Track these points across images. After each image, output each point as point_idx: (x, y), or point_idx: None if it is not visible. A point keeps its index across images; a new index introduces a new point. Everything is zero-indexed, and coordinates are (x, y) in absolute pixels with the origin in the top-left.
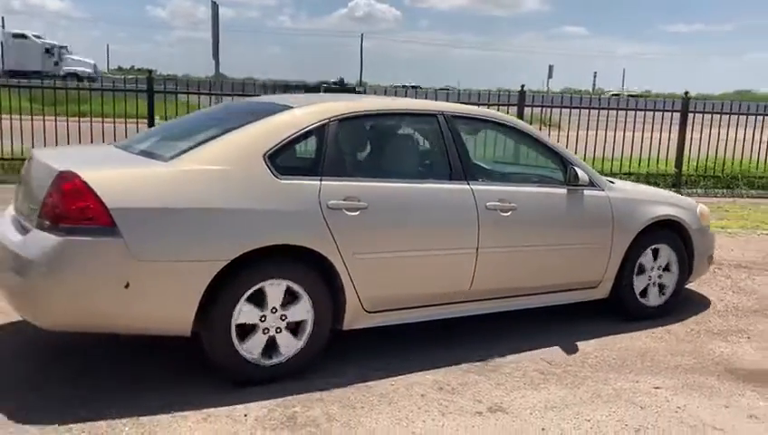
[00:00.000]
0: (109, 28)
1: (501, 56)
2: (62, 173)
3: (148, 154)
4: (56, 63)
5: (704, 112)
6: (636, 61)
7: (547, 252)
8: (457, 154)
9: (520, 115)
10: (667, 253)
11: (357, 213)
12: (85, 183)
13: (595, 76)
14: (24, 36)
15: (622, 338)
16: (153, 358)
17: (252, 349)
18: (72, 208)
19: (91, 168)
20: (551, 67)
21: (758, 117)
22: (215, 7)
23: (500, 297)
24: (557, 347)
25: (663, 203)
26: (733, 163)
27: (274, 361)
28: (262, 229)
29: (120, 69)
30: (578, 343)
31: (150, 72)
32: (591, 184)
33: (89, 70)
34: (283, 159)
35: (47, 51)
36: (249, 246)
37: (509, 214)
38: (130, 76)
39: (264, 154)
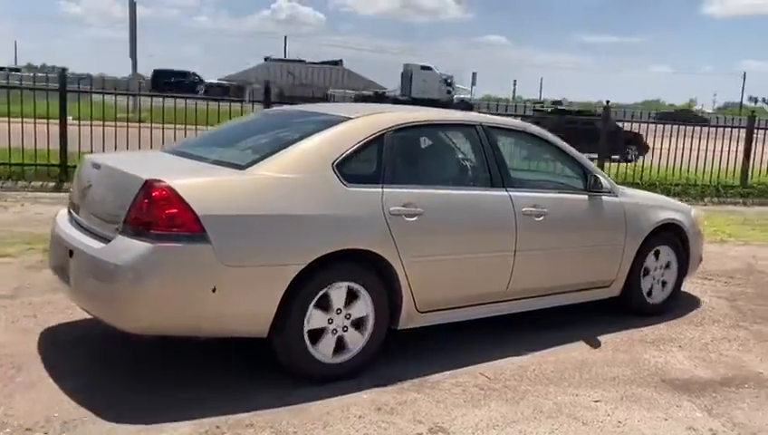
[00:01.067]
0: (17, 23)
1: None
2: (150, 181)
3: (218, 162)
4: (448, 92)
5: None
6: (553, 70)
7: (571, 254)
8: (495, 162)
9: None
10: (667, 253)
11: (414, 218)
12: (174, 191)
13: (515, 84)
14: (428, 68)
15: (559, 350)
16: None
17: (321, 349)
18: (163, 216)
19: (175, 176)
20: (474, 75)
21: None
22: (132, 5)
23: (529, 297)
24: (495, 361)
25: (666, 208)
26: (651, 171)
27: (340, 359)
28: (334, 234)
29: (29, 66)
30: (516, 357)
31: (64, 69)
32: (609, 190)
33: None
34: (348, 168)
35: (445, 81)
36: (323, 250)
37: (541, 219)
38: (40, 74)
39: (333, 163)
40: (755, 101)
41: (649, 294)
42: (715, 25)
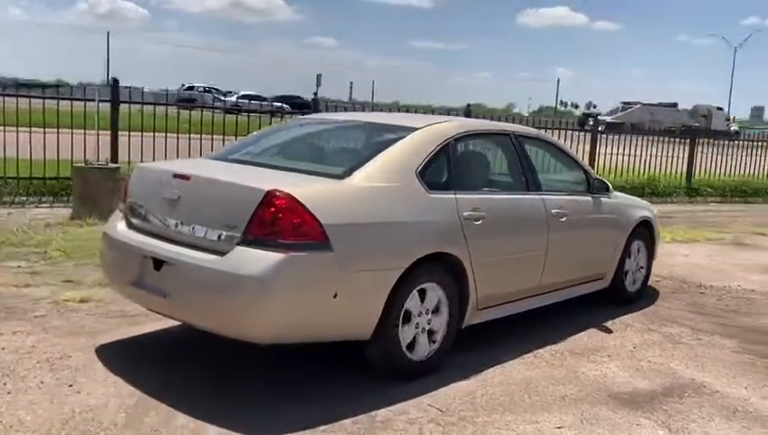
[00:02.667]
0: None
1: (258, 63)
2: (273, 192)
3: (312, 172)
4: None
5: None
6: (384, 73)
7: (584, 249)
8: (529, 168)
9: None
10: (642, 247)
11: (480, 222)
12: (298, 201)
13: (351, 86)
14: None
15: (498, 370)
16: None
17: (411, 347)
18: (289, 225)
19: (291, 186)
20: (319, 76)
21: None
22: None
23: (551, 291)
24: (438, 390)
25: (641, 206)
26: None
27: (425, 356)
28: (426, 238)
29: None
30: (458, 383)
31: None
32: (606, 191)
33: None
34: (427, 176)
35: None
36: (419, 254)
37: (564, 219)
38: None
39: (416, 171)
40: (565, 105)
41: (632, 283)
42: (529, 35)
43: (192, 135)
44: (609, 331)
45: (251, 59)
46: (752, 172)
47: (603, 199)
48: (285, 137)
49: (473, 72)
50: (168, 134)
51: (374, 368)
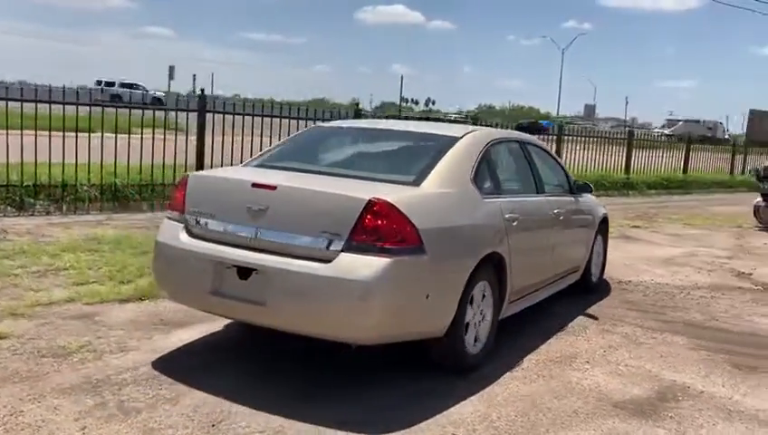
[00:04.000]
0: None
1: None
2: (375, 200)
3: (385, 180)
4: None
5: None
6: (223, 65)
7: (571, 244)
8: (536, 172)
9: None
10: (601, 241)
11: (516, 223)
12: (397, 208)
13: (195, 79)
14: None
15: (495, 388)
16: None
17: (469, 342)
18: (391, 231)
19: (387, 194)
20: (171, 68)
21: None
22: None
23: (550, 283)
24: (452, 410)
25: (600, 205)
26: None
27: (478, 350)
28: (485, 240)
29: None
30: (463, 403)
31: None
32: (588, 192)
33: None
34: (478, 182)
35: None
36: (482, 254)
37: (561, 218)
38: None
39: (470, 178)
40: (406, 101)
41: (595, 274)
42: (367, 31)
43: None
44: (572, 334)
45: (82, 48)
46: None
47: (580, 199)
48: (332, 145)
49: (312, 65)
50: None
51: (439, 365)
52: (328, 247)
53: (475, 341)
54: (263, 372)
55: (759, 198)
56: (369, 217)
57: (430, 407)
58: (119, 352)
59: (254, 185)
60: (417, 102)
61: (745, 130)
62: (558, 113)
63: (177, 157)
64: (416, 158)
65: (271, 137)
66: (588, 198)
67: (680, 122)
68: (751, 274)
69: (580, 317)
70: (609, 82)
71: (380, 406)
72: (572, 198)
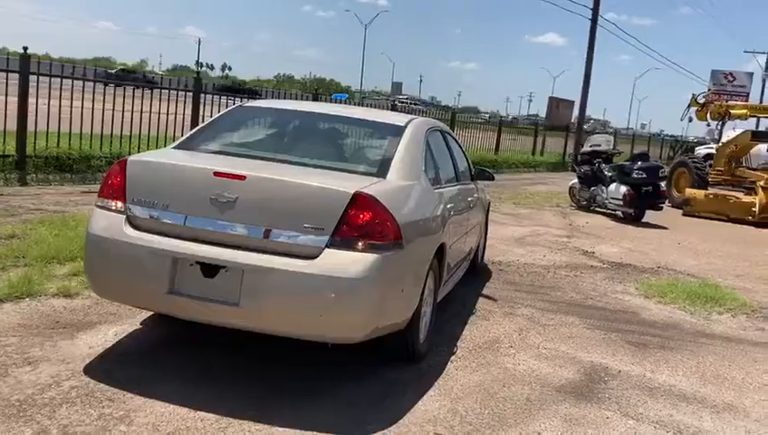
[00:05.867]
0: None
1: None
2: (361, 195)
3: (346, 170)
4: None
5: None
6: None
7: (472, 230)
8: (454, 160)
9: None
10: (484, 224)
11: (451, 213)
12: (381, 203)
13: None
14: None
15: (444, 379)
16: None
17: (422, 330)
18: (377, 227)
19: (367, 187)
20: None
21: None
22: None
23: (462, 265)
24: (417, 406)
25: (484, 190)
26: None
27: (423, 340)
28: (438, 230)
29: None
30: (425, 398)
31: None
32: (491, 179)
33: None
34: (427, 172)
35: None
36: (437, 244)
37: (471, 206)
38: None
39: (423, 168)
40: (201, 66)
41: (480, 257)
42: None
43: None
44: (483, 318)
45: None
46: None
47: (478, 186)
48: (274, 129)
49: (92, 21)
50: None
51: (391, 356)
52: (311, 242)
53: (425, 328)
54: (206, 374)
55: (575, 180)
56: (354, 211)
57: (398, 404)
58: (26, 366)
59: (218, 174)
60: (212, 68)
61: (545, 116)
62: (361, 87)
63: None
64: (369, 147)
65: (104, 103)
66: (481, 185)
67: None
68: (593, 252)
69: (481, 300)
70: (406, 60)
71: (351, 405)
72: (473, 186)
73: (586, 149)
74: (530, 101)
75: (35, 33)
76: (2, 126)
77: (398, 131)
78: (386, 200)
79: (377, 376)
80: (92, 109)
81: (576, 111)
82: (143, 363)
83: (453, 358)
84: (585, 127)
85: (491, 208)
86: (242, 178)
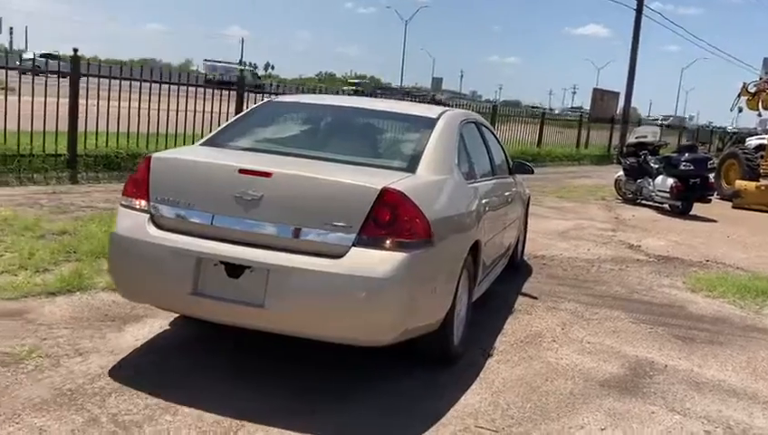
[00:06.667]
0: None
1: None
2: (389, 190)
3: (380, 166)
4: None
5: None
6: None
7: (510, 226)
8: (491, 153)
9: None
10: (524, 219)
11: (486, 208)
12: (411, 199)
13: (12, 32)
14: None
15: (487, 373)
16: None
17: (456, 331)
18: (406, 224)
19: (396, 183)
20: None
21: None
22: None
23: (499, 263)
24: (461, 401)
25: (524, 184)
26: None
27: (458, 341)
28: (472, 227)
29: None
30: (468, 392)
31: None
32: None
33: None
34: (460, 166)
35: None
36: (471, 242)
37: (509, 200)
38: None
39: (456, 163)
40: (245, 65)
41: (519, 253)
42: None
43: None
44: (525, 313)
45: None
46: None
47: (516, 179)
48: (302, 124)
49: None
50: None
51: (427, 358)
52: (337, 241)
53: (459, 329)
54: (252, 371)
55: (620, 173)
56: (382, 208)
57: (439, 397)
58: (77, 356)
59: (243, 171)
60: (255, 66)
61: (590, 108)
62: (401, 83)
63: (46, 123)
64: (399, 141)
65: (150, 102)
66: (520, 178)
67: None
68: (639, 245)
69: (523, 294)
70: (446, 55)
71: (394, 394)
72: (512, 180)
73: (631, 140)
74: (573, 93)
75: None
76: (54, 126)
77: (429, 124)
78: (415, 196)
79: (416, 370)
80: (138, 108)
81: (622, 103)
82: (187, 356)
83: (497, 356)
84: (660, 120)
85: (532, 202)
86: (268, 175)
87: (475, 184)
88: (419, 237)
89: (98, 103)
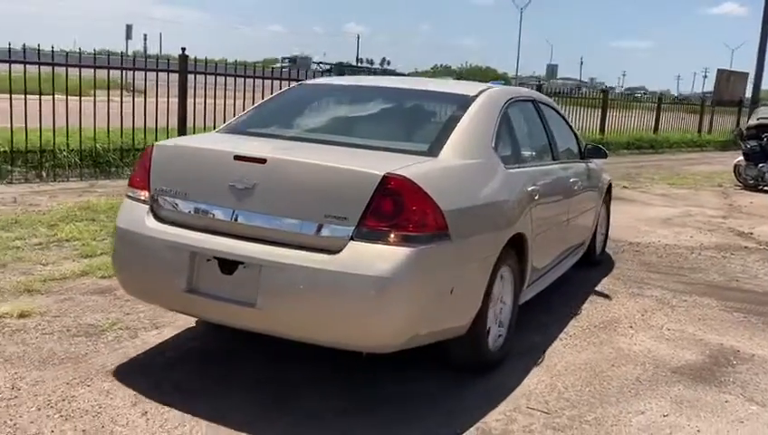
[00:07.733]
0: None
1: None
2: (392, 176)
3: (394, 150)
4: None
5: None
6: (173, 24)
7: (580, 217)
8: (551, 136)
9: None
10: (604, 210)
11: (537, 197)
12: (418, 186)
13: (146, 39)
14: None
15: (550, 357)
16: None
17: (490, 337)
18: (413, 215)
19: (402, 168)
20: (129, 27)
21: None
22: None
23: (564, 260)
24: (517, 388)
25: (604, 171)
26: None
27: (497, 346)
28: (510, 219)
29: None
30: (527, 375)
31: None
32: (604, 156)
33: None
34: (499, 150)
35: None
36: (507, 236)
37: (576, 188)
38: None
39: (492, 145)
40: (361, 61)
41: (599, 247)
42: None
43: None
44: (604, 297)
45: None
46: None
47: (590, 165)
48: (322, 107)
49: (265, 25)
50: None
51: (458, 366)
52: (334, 234)
53: (498, 334)
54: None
55: (740, 158)
56: (384, 196)
57: (495, 377)
58: (153, 330)
59: (238, 157)
60: (372, 62)
61: (713, 90)
62: (517, 73)
63: (158, 120)
64: (426, 122)
65: (254, 99)
66: (596, 164)
67: None
68: (751, 233)
69: (602, 281)
70: (565, 43)
71: (443, 384)
72: (584, 165)
73: (752, 122)
74: (704, 76)
75: (212, 39)
76: (173, 123)
77: (465, 103)
78: (426, 183)
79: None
80: (243, 105)
81: (750, 85)
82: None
83: (562, 335)
84: None
85: (637, 190)
86: (262, 161)
87: (522, 169)
88: (430, 230)
89: (205, 101)
